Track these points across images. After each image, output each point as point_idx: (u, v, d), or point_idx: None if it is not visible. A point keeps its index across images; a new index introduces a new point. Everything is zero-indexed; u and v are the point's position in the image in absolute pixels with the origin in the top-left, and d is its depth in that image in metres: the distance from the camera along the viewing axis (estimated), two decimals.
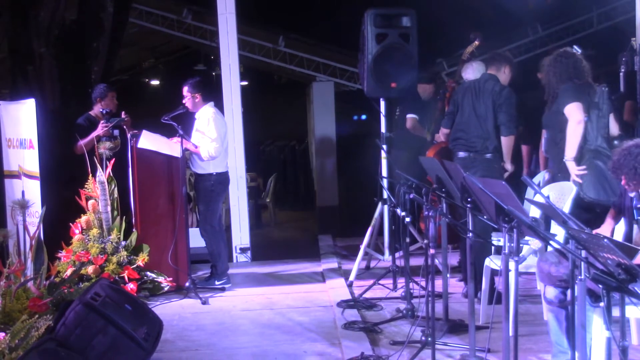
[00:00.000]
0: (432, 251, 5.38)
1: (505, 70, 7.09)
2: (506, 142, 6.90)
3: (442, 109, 8.23)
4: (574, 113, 6.18)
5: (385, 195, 7.93)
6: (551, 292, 4.71)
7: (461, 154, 6.97)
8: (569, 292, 4.30)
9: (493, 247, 6.28)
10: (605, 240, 3.20)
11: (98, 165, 7.57)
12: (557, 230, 5.32)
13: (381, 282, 7.36)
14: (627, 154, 4.69)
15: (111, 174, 7.61)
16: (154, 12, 15.35)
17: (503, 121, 6.85)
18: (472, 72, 7.30)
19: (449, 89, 8.37)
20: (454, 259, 8.02)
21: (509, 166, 7.05)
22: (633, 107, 7.69)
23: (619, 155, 4.77)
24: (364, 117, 8.92)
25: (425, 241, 5.75)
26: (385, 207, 7.96)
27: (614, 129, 6.60)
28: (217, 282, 7.83)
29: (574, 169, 6.17)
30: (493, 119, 6.86)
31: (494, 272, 6.16)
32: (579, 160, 6.19)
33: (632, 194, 4.88)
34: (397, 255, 7.42)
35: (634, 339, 5.34)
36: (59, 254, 7.37)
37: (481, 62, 7.36)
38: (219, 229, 7.97)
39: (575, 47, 7.48)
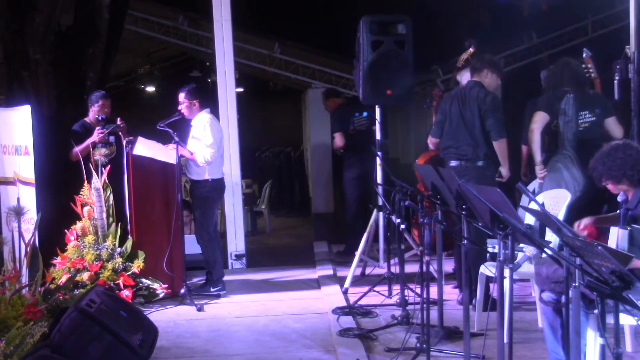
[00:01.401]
0: (426, 258, 5.39)
1: (486, 74, 6.98)
2: (498, 147, 6.82)
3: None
4: (531, 122, 6.79)
5: (380, 202, 7.93)
6: (547, 294, 4.73)
7: (453, 163, 6.93)
8: (564, 296, 4.32)
9: (488, 254, 6.30)
10: (599, 247, 3.21)
11: (93, 172, 7.58)
12: (552, 237, 5.34)
13: (376, 288, 7.36)
14: (600, 158, 4.88)
15: (106, 181, 7.62)
16: (149, 18, 15.36)
17: (491, 126, 6.78)
18: (468, 77, 7.31)
19: (435, 97, 8.38)
20: (448, 266, 8.02)
21: (504, 171, 6.99)
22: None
23: (594, 161, 4.91)
24: (365, 114, 9.12)
25: (420, 248, 5.77)
26: (381, 214, 7.96)
27: (617, 132, 6.69)
28: (212, 289, 7.83)
29: (537, 173, 6.82)
30: (481, 126, 6.80)
31: (489, 279, 6.17)
32: (546, 162, 6.77)
33: (620, 199, 4.92)
34: (392, 262, 7.42)
35: (628, 346, 5.36)
36: (54, 261, 7.38)
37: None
38: (214, 235, 7.98)
39: (585, 49, 7.60)
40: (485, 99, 6.82)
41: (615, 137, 6.69)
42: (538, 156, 6.83)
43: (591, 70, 7.50)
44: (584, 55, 7.66)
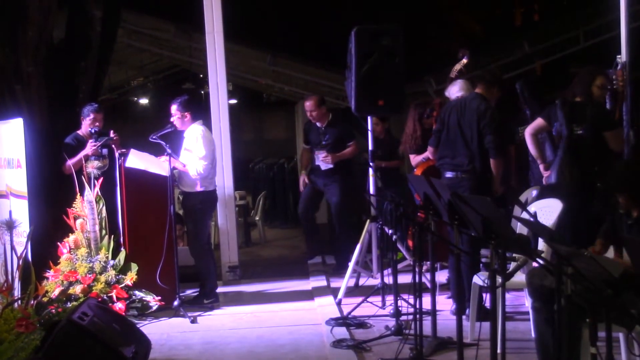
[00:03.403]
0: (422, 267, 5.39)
1: (490, 89, 7.03)
2: (495, 165, 6.81)
3: (430, 126, 8.26)
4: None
5: (373, 212, 7.92)
6: (538, 311, 4.74)
7: (448, 174, 6.93)
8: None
9: (482, 264, 6.30)
10: (591, 256, 3.21)
11: (86, 184, 7.57)
12: (544, 247, 5.34)
13: (370, 299, 7.36)
14: (613, 173, 4.85)
15: (99, 193, 7.62)
16: (142, 31, 15.37)
17: (490, 144, 6.75)
18: (457, 90, 7.33)
19: (435, 107, 8.38)
20: (442, 277, 8.02)
21: (498, 187, 7.02)
22: None
23: (609, 175, 4.90)
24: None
25: (413, 258, 5.77)
26: (374, 224, 7.95)
27: (614, 146, 6.71)
28: (205, 301, 7.82)
29: (542, 172, 7.16)
30: (478, 139, 6.81)
31: (481, 289, 6.16)
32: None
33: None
34: (385, 272, 7.42)
35: (623, 355, 5.35)
36: (47, 274, 7.35)
37: (467, 80, 7.39)
38: (208, 247, 7.97)
39: (618, 57, 7.71)
40: (486, 113, 6.78)
41: (614, 150, 6.73)
42: (536, 157, 7.19)
43: (620, 81, 7.57)
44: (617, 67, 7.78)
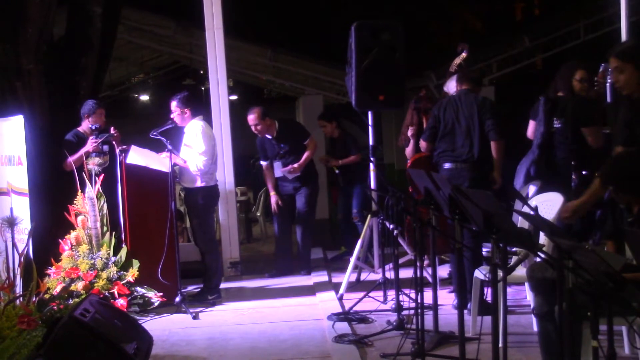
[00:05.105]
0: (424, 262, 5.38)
1: (477, 88, 7.30)
2: (495, 147, 6.85)
3: (420, 119, 8.28)
4: None
5: (374, 207, 7.92)
6: (540, 305, 4.73)
7: (447, 165, 6.95)
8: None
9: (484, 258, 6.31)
10: (592, 249, 3.21)
11: (87, 181, 7.57)
12: (545, 240, 5.34)
13: (371, 294, 7.36)
14: (609, 165, 4.81)
15: (100, 190, 7.61)
16: (142, 27, 15.38)
17: (491, 126, 6.83)
18: (453, 86, 7.36)
19: (422, 99, 8.38)
20: (444, 271, 8.02)
21: (497, 176, 7.01)
22: None
23: (604, 167, 4.84)
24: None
25: (414, 253, 5.77)
26: (375, 219, 7.94)
27: (590, 141, 6.71)
28: (210, 297, 7.85)
29: None
30: (479, 129, 6.83)
31: (483, 283, 6.16)
32: None
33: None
34: (387, 267, 7.42)
35: (626, 348, 5.36)
36: (49, 271, 7.35)
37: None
38: (214, 242, 8.00)
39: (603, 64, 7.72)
40: (485, 102, 6.95)
41: (592, 146, 6.74)
42: None
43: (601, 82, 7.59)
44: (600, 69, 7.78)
